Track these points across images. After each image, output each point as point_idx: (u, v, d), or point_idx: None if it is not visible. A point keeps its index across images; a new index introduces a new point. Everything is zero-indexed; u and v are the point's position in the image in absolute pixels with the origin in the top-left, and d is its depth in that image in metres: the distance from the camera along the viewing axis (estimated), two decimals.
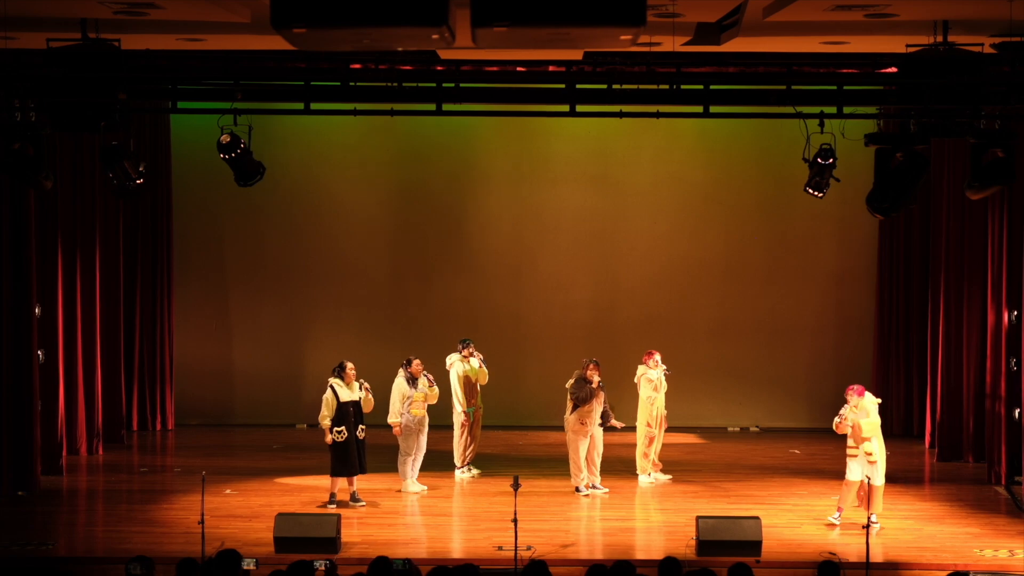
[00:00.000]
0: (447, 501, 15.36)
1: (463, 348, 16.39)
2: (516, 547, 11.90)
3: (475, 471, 16.43)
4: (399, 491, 15.29)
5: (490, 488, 15.59)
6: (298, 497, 15.10)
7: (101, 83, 12.25)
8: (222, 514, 14.06)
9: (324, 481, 15.01)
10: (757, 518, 12.78)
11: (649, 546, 13.55)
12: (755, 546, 12.39)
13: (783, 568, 12.40)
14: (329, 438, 14.50)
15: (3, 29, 11.63)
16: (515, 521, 11.98)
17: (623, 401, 16.29)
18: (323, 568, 9.77)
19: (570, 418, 15.29)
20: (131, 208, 18.90)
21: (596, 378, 15.20)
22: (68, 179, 17.01)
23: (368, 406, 14.71)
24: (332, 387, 14.52)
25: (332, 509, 14.18)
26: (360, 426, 14.60)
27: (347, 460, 14.50)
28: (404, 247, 20.24)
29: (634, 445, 16.21)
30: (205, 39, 13.12)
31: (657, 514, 14.80)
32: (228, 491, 15.35)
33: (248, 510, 14.48)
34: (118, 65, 12.21)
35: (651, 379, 15.92)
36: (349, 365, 14.62)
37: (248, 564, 10.32)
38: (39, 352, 15.65)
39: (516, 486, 12.16)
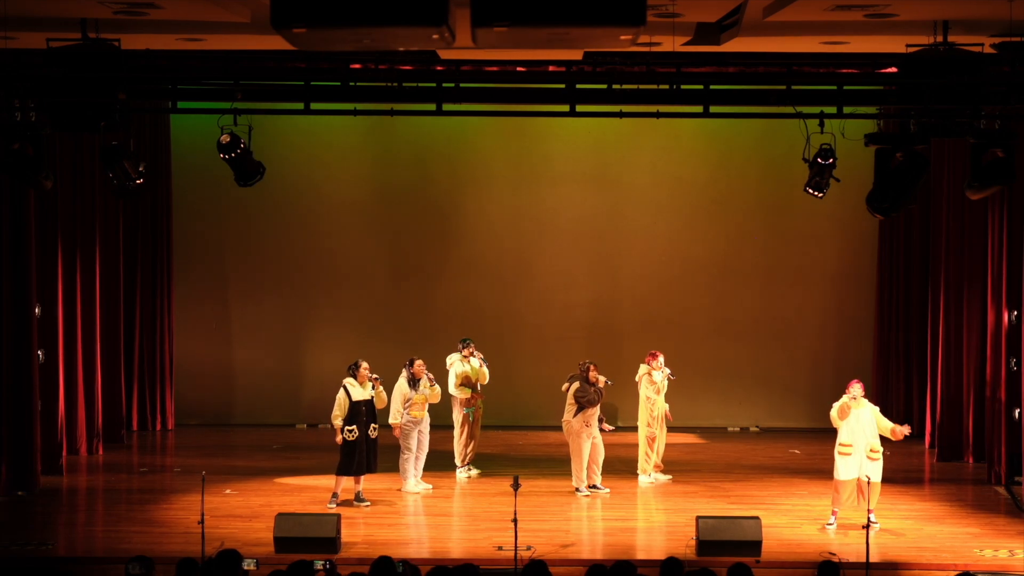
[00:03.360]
0: (447, 501, 15.36)
1: (463, 348, 16.41)
2: (516, 547, 11.91)
3: (475, 471, 16.44)
4: (400, 491, 15.30)
5: (490, 488, 15.60)
6: (298, 497, 15.10)
7: (101, 83, 12.25)
8: (222, 514, 14.07)
9: (324, 481, 15.01)
10: (757, 518, 12.78)
11: (649, 546, 13.55)
12: (755, 546, 12.40)
13: (783, 568, 12.40)
14: (339, 437, 14.53)
15: (3, 29, 11.62)
16: (515, 521, 11.98)
17: (624, 401, 16.30)
18: (323, 568, 9.77)
19: (573, 421, 15.27)
20: (131, 208, 18.90)
21: (602, 379, 15.23)
22: (68, 179, 17.01)
23: (381, 402, 14.75)
24: (345, 387, 14.55)
25: (334, 508, 14.18)
26: (372, 425, 14.62)
27: (353, 459, 14.52)
28: (404, 247, 20.24)
29: (634, 445, 16.22)
30: (205, 39, 13.12)
31: (657, 514, 14.80)
32: (228, 491, 15.35)
33: (248, 510, 14.48)
34: (118, 65, 12.21)
35: (655, 380, 15.93)
36: (364, 364, 14.66)
37: (248, 564, 10.33)
38: (39, 352, 15.65)
39: (516, 486, 12.16)
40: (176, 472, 16.82)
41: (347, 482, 14.65)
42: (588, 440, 15.25)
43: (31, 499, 15.19)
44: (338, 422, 14.54)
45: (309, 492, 15.30)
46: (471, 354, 16.39)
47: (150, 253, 19.48)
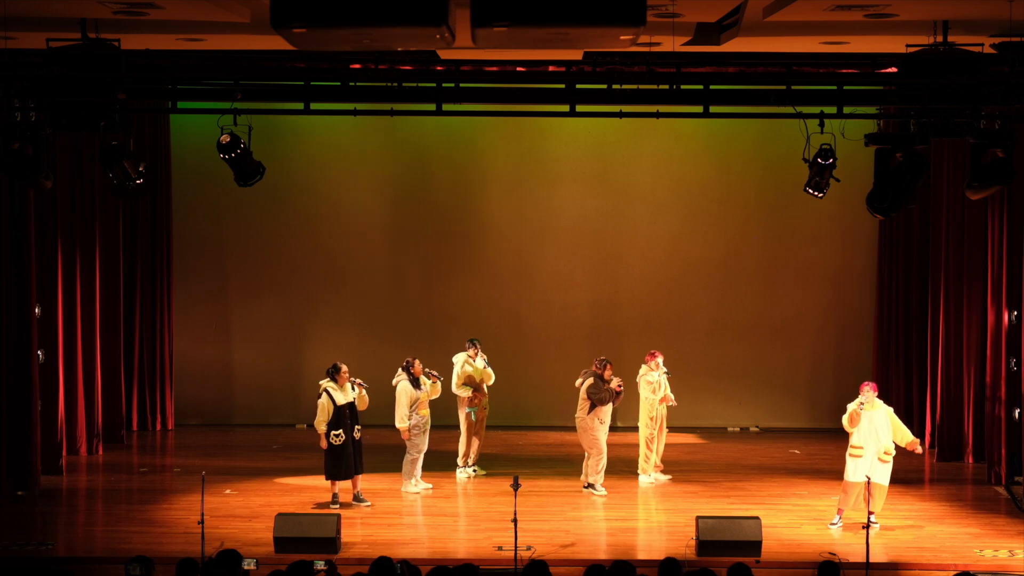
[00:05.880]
0: (447, 501, 15.35)
1: (470, 347, 16.39)
2: (516, 547, 11.91)
3: (480, 470, 16.39)
4: (400, 490, 15.29)
5: (490, 488, 15.60)
6: (298, 497, 15.10)
7: (101, 83, 12.25)
8: (222, 514, 14.08)
9: (324, 481, 14.98)
10: (757, 518, 12.79)
11: (649, 546, 13.56)
12: (755, 546, 12.40)
13: (783, 568, 12.41)
14: (325, 443, 14.47)
15: (3, 29, 11.63)
16: (515, 521, 11.98)
17: (624, 401, 16.26)
18: (323, 568, 9.77)
19: (587, 418, 15.27)
20: (131, 208, 18.89)
21: (616, 379, 15.24)
22: (68, 179, 17.02)
23: (363, 404, 14.68)
24: (327, 391, 14.47)
25: (334, 509, 14.17)
26: (356, 427, 14.58)
27: (342, 463, 14.47)
28: (404, 247, 20.23)
29: (634, 445, 16.23)
30: (205, 39, 13.12)
31: (657, 514, 14.81)
32: (228, 491, 15.35)
33: (248, 510, 14.48)
34: (118, 65, 12.21)
35: (650, 381, 15.93)
36: (343, 367, 14.58)
37: (248, 564, 10.33)
38: (39, 352, 15.65)
39: (516, 486, 12.17)
40: (176, 472, 16.82)
41: (343, 484, 14.64)
42: (603, 435, 15.25)
43: (31, 499, 15.19)
44: (323, 428, 14.47)
45: (309, 492, 15.29)
46: (477, 355, 16.38)
47: (150, 253, 19.47)
